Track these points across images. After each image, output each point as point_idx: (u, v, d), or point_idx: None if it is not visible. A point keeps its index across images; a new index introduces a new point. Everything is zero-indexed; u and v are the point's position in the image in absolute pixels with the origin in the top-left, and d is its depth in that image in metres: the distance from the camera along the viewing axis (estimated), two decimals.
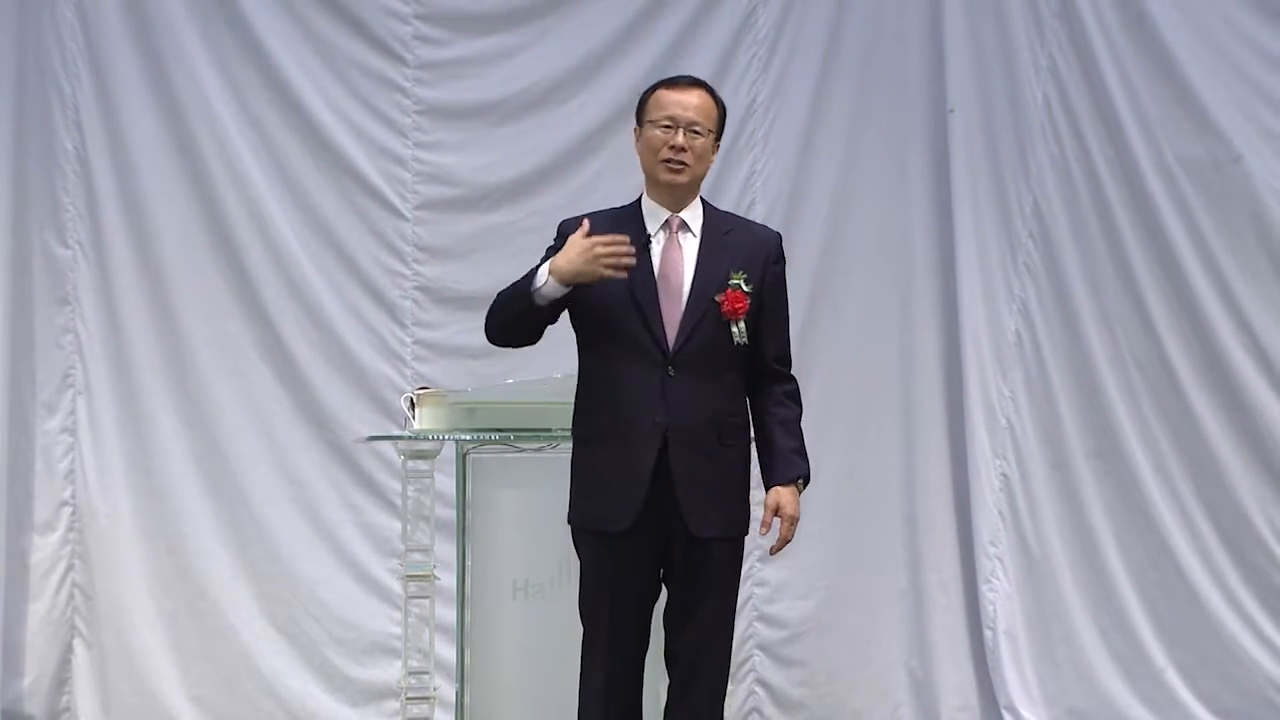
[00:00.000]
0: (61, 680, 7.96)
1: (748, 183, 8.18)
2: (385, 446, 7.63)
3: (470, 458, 6.49)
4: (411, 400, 6.54)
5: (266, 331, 8.05)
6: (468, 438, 6.44)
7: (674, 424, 5.20)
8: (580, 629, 5.45)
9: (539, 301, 5.20)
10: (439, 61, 8.14)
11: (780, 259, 5.40)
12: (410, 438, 6.50)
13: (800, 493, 5.36)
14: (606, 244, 5.13)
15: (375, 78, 8.12)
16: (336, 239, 8.10)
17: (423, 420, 6.49)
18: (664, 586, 5.40)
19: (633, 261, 5.15)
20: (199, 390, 8.00)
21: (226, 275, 8.04)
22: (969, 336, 8.15)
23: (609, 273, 5.14)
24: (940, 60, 8.17)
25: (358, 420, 7.99)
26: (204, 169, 8.01)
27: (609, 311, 5.24)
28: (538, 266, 5.24)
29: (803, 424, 5.43)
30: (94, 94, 8.00)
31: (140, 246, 8.00)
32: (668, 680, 5.45)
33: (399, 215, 8.12)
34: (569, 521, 5.39)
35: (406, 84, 8.13)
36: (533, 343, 5.39)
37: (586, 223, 5.23)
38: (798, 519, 5.33)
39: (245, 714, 7.93)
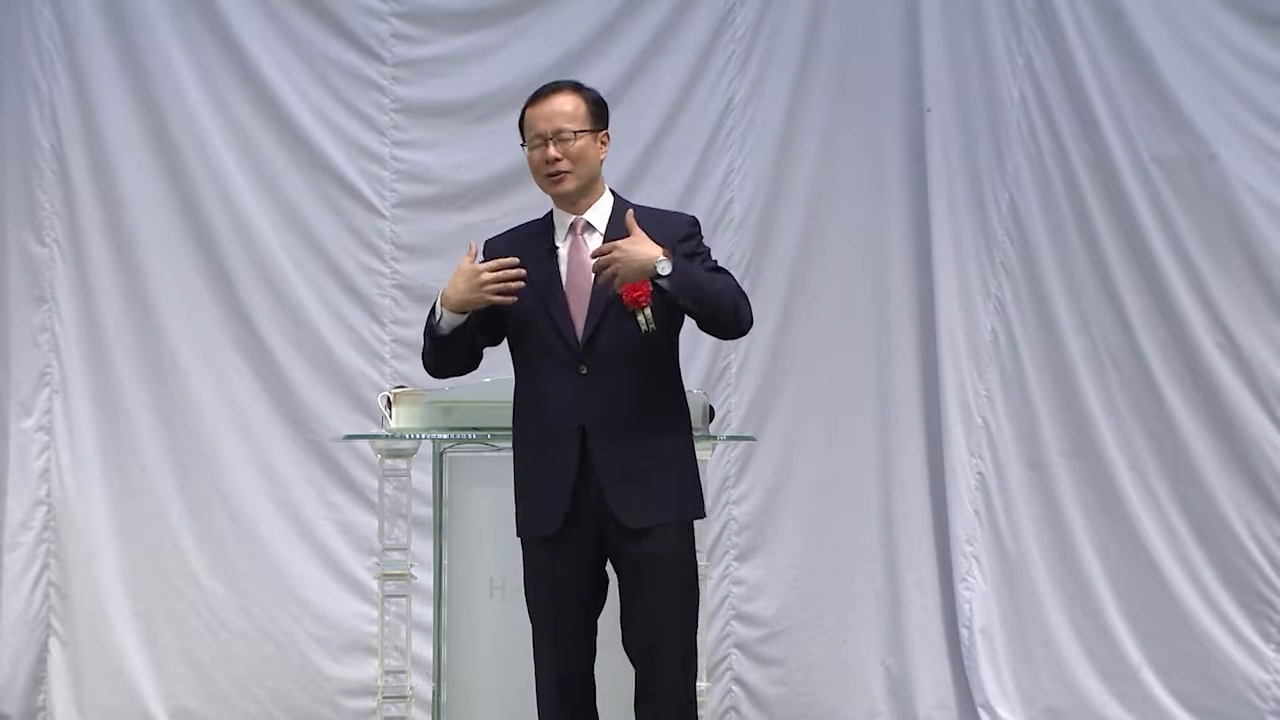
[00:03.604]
0: (38, 679, 7.95)
1: (725, 181, 8.18)
2: (363, 444, 7.62)
3: (447, 456, 6.50)
4: (388, 399, 6.54)
5: (245, 330, 8.05)
6: (444, 436, 6.44)
7: (592, 422, 5.23)
8: None
9: (440, 333, 5.30)
10: (417, 59, 8.15)
11: (691, 236, 5.33)
12: (387, 437, 6.51)
13: (663, 279, 5.09)
14: (493, 269, 5.21)
15: (353, 76, 8.12)
16: (315, 237, 8.10)
17: (399, 419, 6.49)
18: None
19: (520, 285, 5.19)
20: (176, 388, 8.00)
21: (204, 273, 8.04)
22: (945, 335, 8.15)
23: (495, 299, 5.20)
24: (917, 59, 8.18)
25: (336, 418, 7.99)
26: (182, 167, 8.01)
27: (523, 321, 5.30)
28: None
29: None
30: (71, 91, 8.00)
31: (118, 244, 8.00)
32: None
33: (377, 213, 8.12)
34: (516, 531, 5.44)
35: (384, 82, 8.14)
36: (472, 368, 5.45)
37: (472, 245, 5.32)
38: (634, 256, 5.07)
39: (222, 713, 7.92)
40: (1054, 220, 8.19)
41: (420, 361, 7.81)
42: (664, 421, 5.34)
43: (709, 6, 8.19)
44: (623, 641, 5.39)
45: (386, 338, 8.12)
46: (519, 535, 5.41)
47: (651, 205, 5.62)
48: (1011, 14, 8.18)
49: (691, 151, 8.15)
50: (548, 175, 5.37)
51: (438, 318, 5.30)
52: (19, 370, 7.96)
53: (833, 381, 8.14)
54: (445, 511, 6.50)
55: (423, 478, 6.89)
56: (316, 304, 8.08)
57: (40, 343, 7.99)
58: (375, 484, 6.85)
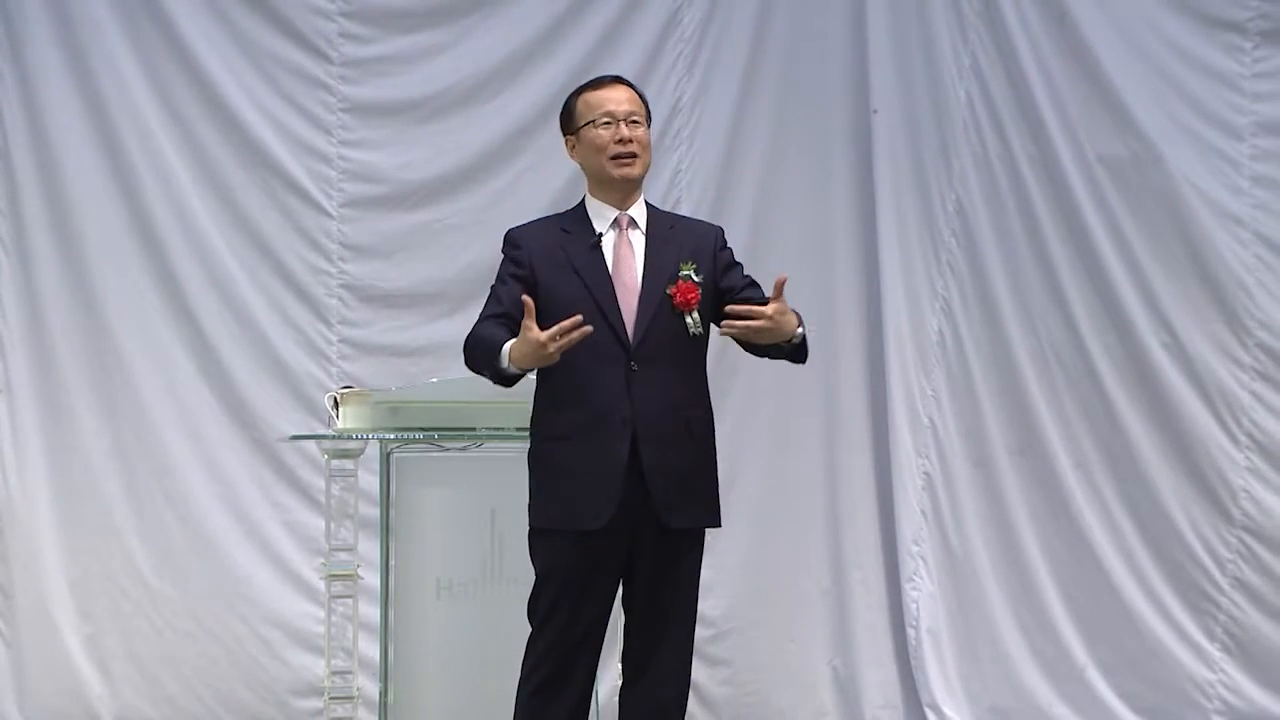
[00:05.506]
0: None
1: (673, 181, 8.19)
2: (310, 445, 7.60)
3: (394, 456, 6.49)
4: (335, 399, 6.53)
5: (191, 329, 8.01)
6: (391, 437, 6.43)
7: (641, 417, 5.23)
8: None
9: (510, 376, 5.24)
10: (364, 59, 8.12)
11: (725, 246, 5.49)
12: (334, 437, 6.50)
13: (793, 342, 5.31)
14: (558, 335, 5.09)
15: (300, 75, 8.09)
16: (261, 237, 8.07)
17: (346, 419, 6.48)
18: (626, 581, 5.38)
19: (591, 329, 5.14)
20: (122, 388, 7.96)
21: (151, 273, 8.01)
22: (892, 335, 8.17)
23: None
24: (863, 61, 8.19)
25: (283, 418, 7.96)
26: (128, 166, 7.97)
27: (570, 313, 5.21)
28: (501, 334, 5.24)
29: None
30: (16, 90, 7.96)
31: (64, 244, 7.96)
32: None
33: (324, 213, 8.10)
34: (532, 523, 5.36)
35: (331, 81, 8.11)
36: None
37: (527, 302, 5.14)
38: (782, 316, 5.26)
39: (167, 713, 7.89)
40: (1000, 221, 8.22)
41: (367, 360, 7.99)
42: (701, 424, 5.38)
43: (656, 7, 8.19)
44: (626, 640, 5.36)
45: (334, 338, 8.10)
46: (545, 527, 5.32)
47: None
48: (958, 15, 8.21)
49: None
50: (618, 156, 5.36)
51: (505, 365, 5.19)
52: None
53: (779, 382, 8.11)
54: (392, 512, 6.49)
55: (370, 478, 6.87)
56: (263, 304, 8.05)
57: None
58: (323, 484, 6.84)
